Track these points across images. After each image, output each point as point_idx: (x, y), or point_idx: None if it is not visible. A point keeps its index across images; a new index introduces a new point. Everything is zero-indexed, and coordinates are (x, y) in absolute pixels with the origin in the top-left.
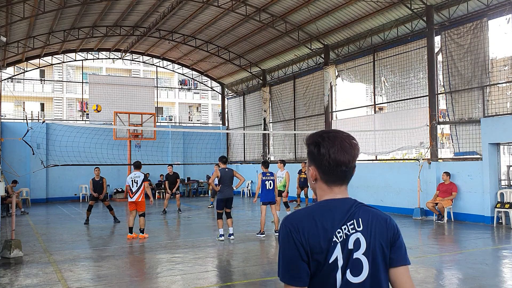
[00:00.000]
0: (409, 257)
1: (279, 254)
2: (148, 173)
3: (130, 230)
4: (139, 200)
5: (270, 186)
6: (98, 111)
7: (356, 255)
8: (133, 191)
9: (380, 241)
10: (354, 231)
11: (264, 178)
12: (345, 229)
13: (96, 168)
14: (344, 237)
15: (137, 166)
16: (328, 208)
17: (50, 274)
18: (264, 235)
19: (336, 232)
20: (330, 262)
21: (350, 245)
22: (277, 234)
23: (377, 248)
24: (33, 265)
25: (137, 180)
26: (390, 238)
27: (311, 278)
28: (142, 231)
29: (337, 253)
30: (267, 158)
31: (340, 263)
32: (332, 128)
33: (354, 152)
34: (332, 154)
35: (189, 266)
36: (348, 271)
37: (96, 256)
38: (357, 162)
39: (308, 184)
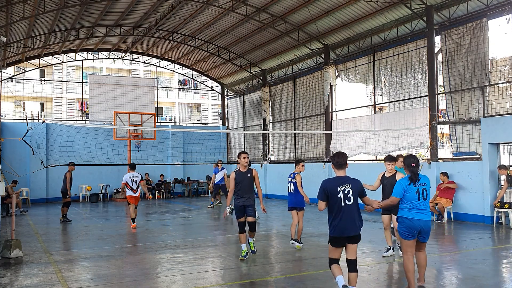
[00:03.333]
0: None
1: (319, 190)
2: (148, 173)
3: (133, 220)
4: (138, 195)
5: (292, 189)
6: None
7: (348, 193)
8: (134, 188)
9: (356, 189)
10: (346, 186)
11: (289, 180)
12: (342, 186)
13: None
14: (343, 188)
15: (133, 167)
16: (337, 178)
17: (50, 274)
18: (299, 244)
19: (339, 187)
20: (338, 196)
21: (345, 191)
22: (294, 243)
23: (356, 192)
24: (33, 265)
25: (136, 179)
26: (359, 188)
27: (329, 202)
28: (133, 220)
29: (340, 193)
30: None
31: (341, 196)
32: (332, 127)
33: (345, 158)
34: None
35: (189, 266)
36: (345, 200)
37: (96, 256)
38: (357, 162)
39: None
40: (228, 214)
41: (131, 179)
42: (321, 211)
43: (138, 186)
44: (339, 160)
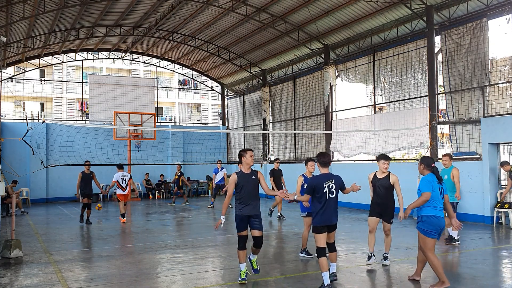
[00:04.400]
0: (409, 257)
1: (307, 186)
2: (148, 173)
3: (123, 215)
4: (127, 193)
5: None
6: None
7: (332, 188)
8: (124, 186)
9: (338, 184)
10: (330, 181)
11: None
12: (327, 182)
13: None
14: (327, 184)
15: (121, 167)
16: (322, 175)
17: (50, 274)
18: (309, 256)
19: (324, 183)
20: (324, 190)
21: (330, 186)
22: (301, 254)
23: (337, 186)
24: (33, 265)
25: (125, 178)
26: (340, 183)
27: (314, 195)
28: (123, 216)
29: (325, 188)
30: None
31: (326, 191)
32: (332, 127)
33: (329, 158)
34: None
35: (189, 266)
36: (329, 194)
37: (96, 256)
38: (357, 162)
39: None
40: (221, 225)
41: (121, 178)
42: (301, 202)
43: (127, 184)
44: (324, 159)
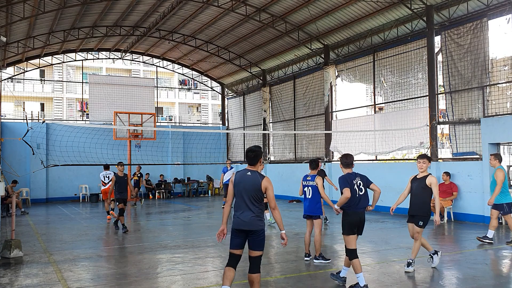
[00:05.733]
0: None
1: (342, 182)
2: (148, 173)
3: (108, 212)
4: (110, 189)
5: (308, 195)
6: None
7: (360, 185)
8: (106, 183)
9: (364, 181)
10: (358, 179)
11: (304, 183)
12: (356, 180)
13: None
14: (355, 181)
15: (107, 167)
16: (349, 174)
17: (50, 274)
18: (310, 258)
19: (354, 180)
20: (354, 187)
21: (358, 183)
22: (317, 260)
23: (364, 183)
24: (33, 265)
25: (108, 176)
26: (366, 180)
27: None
28: (108, 213)
29: (355, 185)
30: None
31: (356, 187)
32: (332, 127)
33: (352, 159)
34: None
35: (189, 266)
36: (358, 190)
37: (96, 256)
38: (357, 162)
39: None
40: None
41: (104, 176)
42: (348, 198)
43: (109, 181)
44: (347, 160)
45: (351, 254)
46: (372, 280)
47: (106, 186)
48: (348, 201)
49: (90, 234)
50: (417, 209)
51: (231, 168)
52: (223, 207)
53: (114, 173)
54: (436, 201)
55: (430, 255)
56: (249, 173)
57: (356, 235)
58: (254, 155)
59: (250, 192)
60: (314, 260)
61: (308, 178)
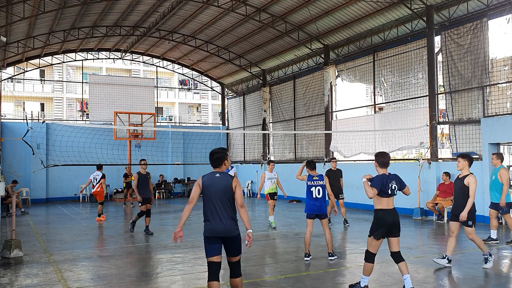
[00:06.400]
0: (409, 257)
1: (374, 182)
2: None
3: (99, 215)
4: (98, 190)
5: (319, 194)
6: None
7: (395, 189)
8: (94, 185)
9: (399, 185)
10: (394, 183)
11: (310, 183)
12: (391, 181)
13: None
14: (391, 185)
15: (99, 167)
16: (385, 175)
17: (50, 274)
18: (308, 259)
19: (390, 184)
20: (388, 189)
21: (393, 186)
22: (331, 258)
23: (399, 187)
24: (33, 265)
25: (96, 178)
26: (401, 184)
27: (382, 190)
28: (99, 215)
29: (389, 189)
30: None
31: (390, 189)
32: (332, 127)
33: (388, 158)
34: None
35: (189, 266)
36: (390, 191)
37: (96, 256)
38: (357, 162)
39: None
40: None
41: (93, 177)
42: (370, 198)
43: (97, 183)
44: (384, 159)
45: (369, 257)
46: (372, 280)
47: (94, 190)
48: (380, 204)
49: (90, 234)
50: (461, 209)
51: (232, 167)
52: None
53: (102, 174)
54: (469, 200)
55: (443, 256)
56: (217, 174)
57: (381, 240)
58: (218, 156)
59: (222, 194)
60: (331, 258)
61: (315, 178)
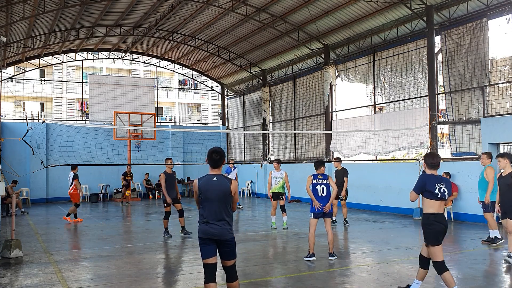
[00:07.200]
0: (409, 257)
1: (417, 184)
2: (148, 173)
3: (75, 215)
4: (71, 192)
5: (323, 192)
6: None
7: (443, 189)
8: (69, 186)
9: (449, 189)
10: (442, 184)
11: (315, 181)
12: (439, 184)
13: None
14: (439, 186)
15: (72, 168)
16: (434, 176)
17: (50, 274)
18: (314, 259)
19: (437, 184)
20: (435, 192)
21: (441, 190)
22: (332, 258)
23: (449, 191)
24: (33, 265)
25: (69, 179)
26: (449, 189)
27: (427, 192)
28: (74, 216)
29: (436, 190)
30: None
31: (437, 191)
32: (332, 127)
33: (439, 159)
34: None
35: (189, 266)
36: (439, 194)
37: (96, 256)
38: (357, 162)
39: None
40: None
41: (68, 178)
42: (412, 201)
43: (71, 184)
44: (433, 161)
45: (440, 267)
46: (372, 280)
47: (68, 190)
48: (431, 207)
49: (90, 234)
50: (509, 206)
51: (235, 168)
52: (240, 208)
53: (73, 174)
54: None
55: (509, 254)
56: (215, 178)
57: (441, 245)
58: (220, 157)
59: (219, 199)
60: (331, 258)
61: (320, 177)
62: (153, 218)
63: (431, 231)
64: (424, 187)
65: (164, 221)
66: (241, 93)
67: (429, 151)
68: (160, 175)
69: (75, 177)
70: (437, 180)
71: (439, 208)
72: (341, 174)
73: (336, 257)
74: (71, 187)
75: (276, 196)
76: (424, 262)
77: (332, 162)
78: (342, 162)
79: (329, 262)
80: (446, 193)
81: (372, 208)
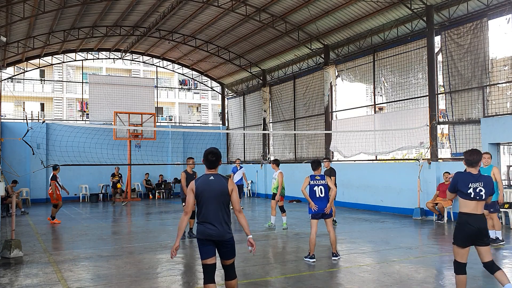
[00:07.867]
0: (409, 257)
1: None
2: (148, 173)
3: (52, 217)
4: (49, 192)
5: (321, 193)
6: None
7: (479, 188)
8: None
9: (488, 189)
10: (479, 183)
11: (312, 182)
12: (475, 183)
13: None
14: (474, 186)
15: (54, 168)
16: (469, 174)
17: (50, 274)
18: (314, 260)
19: (471, 183)
20: (468, 192)
21: (477, 189)
22: (335, 258)
23: (488, 191)
24: (33, 265)
25: (49, 179)
26: (491, 188)
27: (459, 191)
28: (52, 218)
29: (470, 189)
30: (321, 157)
31: (471, 190)
32: (332, 127)
33: (477, 157)
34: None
35: (189, 266)
36: (473, 194)
37: (96, 256)
38: (357, 162)
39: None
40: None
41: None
42: (450, 200)
43: (49, 185)
44: (470, 158)
45: (458, 268)
46: (372, 280)
47: (48, 190)
48: (465, 207)
49: (90, 234)
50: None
51: (241, 167)
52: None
53: (52, 175)
54: None
55: None
56: (212, 177)
57: (468, 248)
58: (216, 158)
59: (217, 198)
60: (335, 258)
61: (317, 178)
62: (152, 218)
63: (459, 232)
64: (456, 186)
65: (190, 221)
66: (241, 93)
67: (429, 151)
68: (181, 173)
69: (53, 178)
70: (473, 179)
71: (475, 208)
72: (328, 174)
73: (339, 257)
74: (49, 188)
75: (273, 196)
76: (488, 266)
77: (323, 161)
78: (342, 162)
79: (332, 262)
80: (483, 193)
81: (372, 208)
